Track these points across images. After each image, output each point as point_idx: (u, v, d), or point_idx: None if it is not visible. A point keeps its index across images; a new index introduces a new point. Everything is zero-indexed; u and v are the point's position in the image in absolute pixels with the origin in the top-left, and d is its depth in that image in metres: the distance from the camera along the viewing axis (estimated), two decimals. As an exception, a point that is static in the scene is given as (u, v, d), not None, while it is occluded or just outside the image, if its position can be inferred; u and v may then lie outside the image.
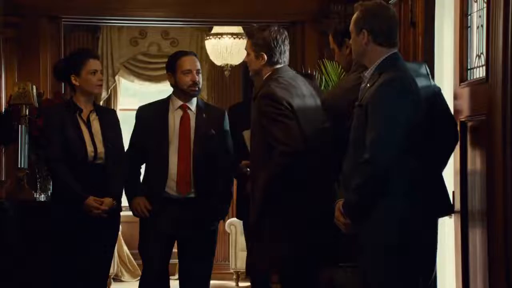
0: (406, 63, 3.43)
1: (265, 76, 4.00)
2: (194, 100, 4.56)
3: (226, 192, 4.61)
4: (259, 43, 3.99)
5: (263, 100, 3.86)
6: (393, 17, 3.37)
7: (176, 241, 4.57)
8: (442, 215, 3.74)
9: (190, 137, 4.48)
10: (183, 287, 4.63)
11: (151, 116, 4.53)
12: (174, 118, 4.49)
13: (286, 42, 4.05)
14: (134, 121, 4.65)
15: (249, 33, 4.08)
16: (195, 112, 4.52)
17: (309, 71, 5.80)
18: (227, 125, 4.63)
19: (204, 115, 4.52)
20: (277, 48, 4.00)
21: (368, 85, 3.33)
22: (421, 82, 3.57)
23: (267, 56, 3.99)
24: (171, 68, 4.51)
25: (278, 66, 4.01)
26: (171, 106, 4.52)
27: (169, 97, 4.58)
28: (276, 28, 4.06)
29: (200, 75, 4.52)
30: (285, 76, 3.97)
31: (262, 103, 3.86)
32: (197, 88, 4.49)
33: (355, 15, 3.39)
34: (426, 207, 3.29)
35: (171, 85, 4.56)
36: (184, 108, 4.51)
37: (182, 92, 4.49)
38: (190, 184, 4.45)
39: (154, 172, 4.49)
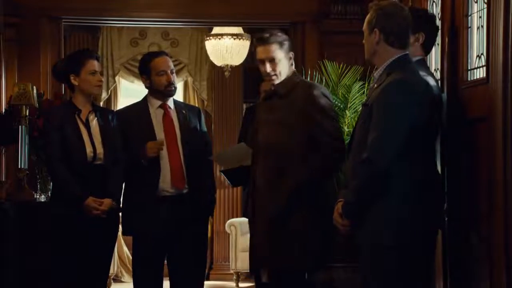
0: (416, 65, 3.44)
1: (289, 76, 4.04)
2: (171, 99, 4.61)
3: (213, 185, 4.72)
4: (289, 46, 4.05)
5: (317, 94, 3.92)
6: (407, 18, 3.36)
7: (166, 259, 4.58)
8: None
9: (175, 133, 4.53)
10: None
11: (132, 117, 4.53)
12: (156, 117, 4.53)
13: None
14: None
15: (275, 40, 4.02)
16: (174, 110, 4.58)
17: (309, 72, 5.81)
18: (203, 121, 4.73)
19: (183, 111, 4.60)
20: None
21: (376, 85, 3.33)
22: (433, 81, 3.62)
23: (292, 56, 4.07)
24: (145, 71, 4.54)
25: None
26: (150, 106, 4.55)
27: (145, 99, 4.61)
28: (280, 30, 4.14)
29: (174, 74, 4.57)
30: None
31: (314, 97, 3.91)
32: (173, 88, 4.54)
33: (368, 15, 3.39)
34: (427, 208, 3.29)
35: (146, 87, 4.59)
36: (164, 107, 4.55)
37: (159, 93, 4.53)
38: (184, 179, 4.48)
39: (145, 172, 4.45)
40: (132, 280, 4.66)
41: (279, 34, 4.04)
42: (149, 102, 4.57)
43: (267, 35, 4.01)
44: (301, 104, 3.92)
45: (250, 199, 4.07)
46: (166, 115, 4.55)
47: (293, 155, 3.89)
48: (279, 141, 3.94)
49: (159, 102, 4.54)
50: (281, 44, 4.00)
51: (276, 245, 3.92)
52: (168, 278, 4.58)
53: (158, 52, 4.73)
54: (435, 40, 3.81)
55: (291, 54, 4.07)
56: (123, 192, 4.56)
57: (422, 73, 3.57)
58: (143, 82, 4.59)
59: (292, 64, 4.08)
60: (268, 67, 4.01)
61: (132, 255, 4.65)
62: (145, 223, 4.42)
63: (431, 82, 3.60)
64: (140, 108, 4.58)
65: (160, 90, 4.52)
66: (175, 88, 4.57)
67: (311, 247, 3.89)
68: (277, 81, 4.03)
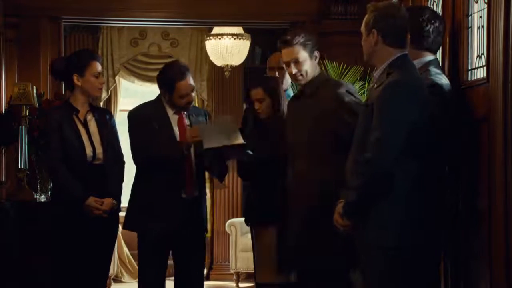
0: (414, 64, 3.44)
1: (317, 75, 4.07)
2: None
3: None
4: (313, 44, 4.05)
5: (345, 93, 3.94)
6: (404, 18, 3.36)
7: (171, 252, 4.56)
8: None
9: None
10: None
11: (152, 118, 4.45)
12: (172, 121, 4.49)
13: None
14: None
15: (297, 42, 4.02)
16: (187, 113, 4.54)
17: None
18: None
19: (194, 115, 4.56)
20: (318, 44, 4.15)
21: (376, 85, 3.33)
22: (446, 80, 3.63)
23: (318, 55, 4.09)
24: (167, 88, 4.43)
25: None
26: (168, 109, 4.49)
27: (160, 100, 4.52)
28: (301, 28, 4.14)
29: (194, 91, 4.51)
30: None
31: (341, 95, 3.92)
32: (190, 106, 4.51)
33: (366, 16, 3.39)
34: (429, 210, 3.28)
35: (164, 98, 4.49)
36: (178, 112, 4.50)
37: (176, 107, 4.47)
38: (195, 183, 4.47)
39: (166, 175, 4.39)
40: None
41: (302, 34, 4.05)
42: (165, 105, 4.49)
43: (289, 37, 4.04)
44: (327, 103, 3.93)
45: (282, 200, 4.07)
46: (180, 120, 4.50)
47: (321, 155, 3.90)
48: (308, 140, 3.95)
49: (174, 110, 4.50)
50: (304, 44, 4.03)
51: (309, 245, 3.92)
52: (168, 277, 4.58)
53: (182, 71, 4.42)
54: (427, 36, 3.72)
55: (316, 53, 4.08)
56: (138, 189, 4.51)
57: (435, 71, 3.58)
58: (162, 94, 4.49)
59: (318, 63, 4.10)
60: (293, 68, 4.05)
61: (138, 249, 4.56)
62: (160, 222, 4.39)
63: (444, 81, 3.60)
64: (158, 109, 4.49)
65: (177, 106, 4.46)
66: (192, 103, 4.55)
67: (343, 246, 3.83)
68: (303, 81, 4.07)
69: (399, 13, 3.36)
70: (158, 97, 4.55)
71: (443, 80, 3.60)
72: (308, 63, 4.04)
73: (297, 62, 4.03)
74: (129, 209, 4.52)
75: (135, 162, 4.48)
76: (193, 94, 4.50)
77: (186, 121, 4.50)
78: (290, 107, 4.22)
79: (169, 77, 4.43)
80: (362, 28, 3.41)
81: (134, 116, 4.50)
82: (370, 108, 3.28)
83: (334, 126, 3.89)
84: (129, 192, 4.51)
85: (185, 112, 4.52)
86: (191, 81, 4.45)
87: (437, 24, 3.73)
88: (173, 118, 4.49)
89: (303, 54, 4.02)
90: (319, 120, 3.93)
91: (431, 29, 3.70)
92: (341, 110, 3.89)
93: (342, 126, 3.86)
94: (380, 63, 3.37)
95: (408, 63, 3.36)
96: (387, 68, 3.32)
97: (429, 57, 3.69)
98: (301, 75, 4.05)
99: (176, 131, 4.45)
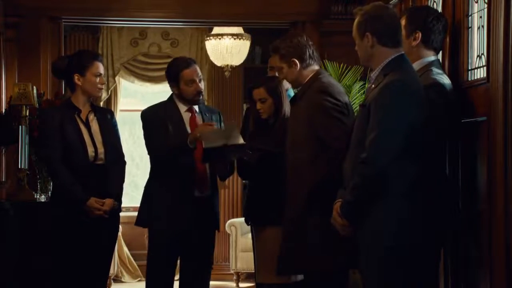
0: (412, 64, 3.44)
1: (308, 78, 4.07)
2: None
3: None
4: (287, 52, 4.05)
5: (321, 95, 3.93)
6: (394, 16, 3.38)
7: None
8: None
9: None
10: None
11: (164, 118, 4.50)
12: (184, 119, 4.54)
13: (310, 42, 4.16)
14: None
15: (273, 50, 4.13)
16: (199, 112, 4.59)
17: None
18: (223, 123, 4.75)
19: (207, 114, 4.61)
20: (305, 50, 4.06)
21: (373, 86, 3.33)
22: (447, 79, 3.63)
23: (298, 61, 4.03)
24: (174, 79, 4.52)
25: (316, 67, 4.10)
26: (180, 107, 4.55)
27: (172, 99, 4.59)
28: (293, 33, 4.15)
29: (202, 81, 4.56)
30: (328, 77, 4.09)
31: (318, 98, 3.92)
32: (200, 97, 4.55)
33: (356, 21, 3.39)
34: (427, 209, 3.28)
35: (174, 93, 4.57)
36: (191, 110, 4.56)
37: (186, 100, 4.53)
38: (208, 182, 4.51)
39: (179, 173, 4.44)
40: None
41: (282, 44, 4.10)
42: (177, 104, 4.56)
43: (273, 45, 4.16)
44: (309, 106, 3.96)
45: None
46: (192, 119, 4.55)
47: (311, 156, 3.92)
48: (299, 142, 3.98)
49: (186, 107, 4.55)
50: (280, 54, 4.10)
51: (298, 248, 3.94)
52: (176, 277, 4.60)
53: (188, 61, 4.57)
54: (438, 34, 3.75)
55: (296, 60, 4.06)
56: (151, 187, 4.55)
57: (437, 71, 3.59)
58: (171, 89, 4.57)
59: (300, 68, 4.07)
60: (276, 74, 4.27)
61: (149, 246, 4.59)
62: (172, 221, 4.43)
63: (446, 81, 3.60)
64: (170, 109, 4.55)
65: (188, 98, 4.52)
66: (202, 96, 4.58)
67: (336, 248, 3.84)
68: (287, 85, 4.26)
69: (388, 12, 3.37)
70: (170, 97, 4.61)
71: (445, 80, 3.61)
72: (285, 71, 4.11)
73: (278, 70, 4.20)
74: (142, 206, 4.56)
75: (151, 160, 4.54)
76: (202, 84, 4.53)
77: (198, 120, 4.54)
78: (290, 110, 4.28)
79: (174, 67, 4.53)
80: (354, 33, 3.41)
81: (148, 115, 4.56)
82: (367, 108, 3.28)
83: (314, 128, 3.92)
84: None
85: (197, 111, 4.56)
86: (197, 70, 4.52)
87: (443, 22, 3.75)
88: (186, 116, 4.53)
89: (279, 64, 4.12)
90: (305, 122, 3.97)
91: (440, 27, 3.71)
92: (316, 112, 3.92)
93: (319, 128, 3.89)
94: (377, 64, 3.37)
95: (405, 63, 3.36)
96: (384, 69, 3.32)
97: (431, 57, 3.70)
98: (283, 80, 4.26)
99: (189, 129, 4.49)
